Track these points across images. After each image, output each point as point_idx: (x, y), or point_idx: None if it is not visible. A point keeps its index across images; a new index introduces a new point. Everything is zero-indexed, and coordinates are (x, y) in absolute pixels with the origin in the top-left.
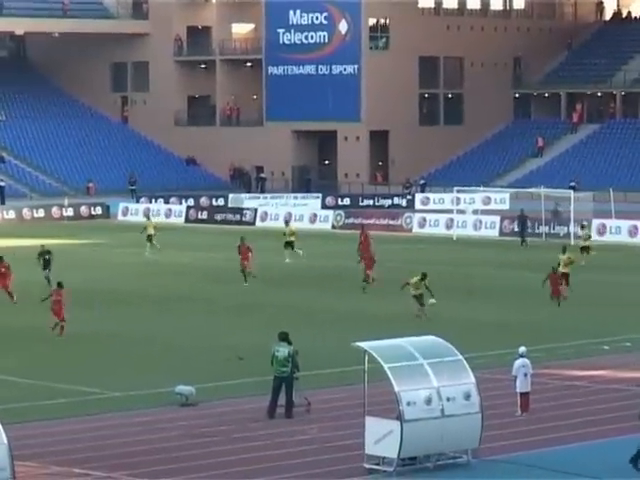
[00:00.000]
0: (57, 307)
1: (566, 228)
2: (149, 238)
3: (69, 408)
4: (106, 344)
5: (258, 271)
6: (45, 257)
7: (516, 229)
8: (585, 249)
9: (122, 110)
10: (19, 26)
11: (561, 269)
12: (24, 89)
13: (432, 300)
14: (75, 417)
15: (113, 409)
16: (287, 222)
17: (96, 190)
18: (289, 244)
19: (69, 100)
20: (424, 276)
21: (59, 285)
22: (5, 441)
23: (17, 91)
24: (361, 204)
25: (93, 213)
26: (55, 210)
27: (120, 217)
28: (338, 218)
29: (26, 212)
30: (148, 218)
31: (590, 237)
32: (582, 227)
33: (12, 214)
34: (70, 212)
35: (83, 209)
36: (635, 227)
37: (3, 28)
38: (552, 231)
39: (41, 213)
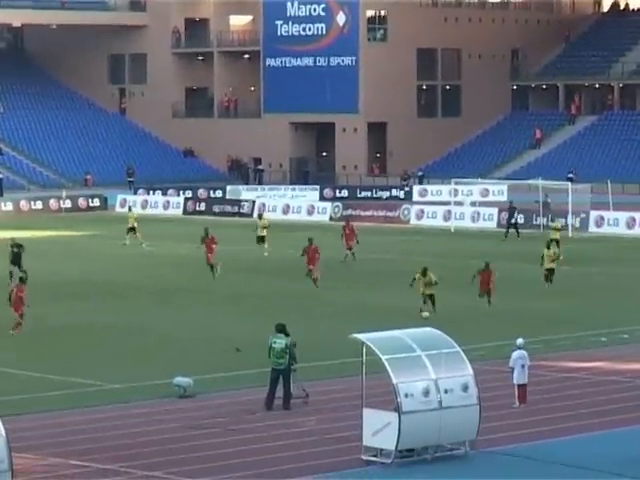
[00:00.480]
0: (18, 303)
1: (563, 220)
2: (130, 230)
3: (66, 400)
4: (103, 336)
5: (255, 262)
6: (14, 250)
7: (518, 221)
8: (555, 242)
9: (120, 102)
10: (17, 18)
11: (546, 265)
12: (22, 81)
13: (425, 314)
14: (73, 409)
15: (111, 401)
16: (260, 215)
17: (94, 182)
18: (262, 239)
19: (67, 92)
20: (424, 271)
21: (22, 280)
22: (3, 433)
23: (15, 83)
24: (359, 196)
25: (91, 205)
26: (53, 202)
27: (118, 209)
28: (336, 210)
29: (24, 204)
30: (130, 210)
31: (560, 230)
32: (552, 219)
33: (9, 206)
34: (68, 204)
35: (81, 201)
36: (633, 219)
37: (1, 20)
38: (550, 223)
39: (39, 205)
